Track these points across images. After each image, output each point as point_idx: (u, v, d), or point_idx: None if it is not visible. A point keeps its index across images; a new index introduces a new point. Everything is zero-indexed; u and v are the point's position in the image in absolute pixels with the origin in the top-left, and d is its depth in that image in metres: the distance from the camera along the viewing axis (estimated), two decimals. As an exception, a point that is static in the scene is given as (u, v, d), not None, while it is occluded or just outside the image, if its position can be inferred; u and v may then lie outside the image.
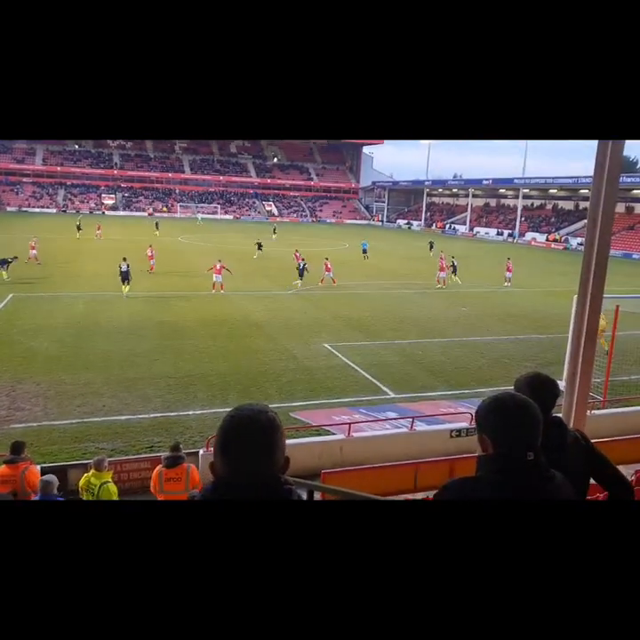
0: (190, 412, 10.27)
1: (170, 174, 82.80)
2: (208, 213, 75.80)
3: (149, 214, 71.97)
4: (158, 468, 6.07)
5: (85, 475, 5.74)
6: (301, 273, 24.24)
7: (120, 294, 20.43)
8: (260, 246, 32.96)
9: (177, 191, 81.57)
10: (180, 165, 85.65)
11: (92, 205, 73.94)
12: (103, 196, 76.68)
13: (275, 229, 48.85)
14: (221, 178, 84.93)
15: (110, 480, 5.69)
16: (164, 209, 76.06)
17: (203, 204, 78.90)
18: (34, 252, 26.75)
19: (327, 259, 25.37)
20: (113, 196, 77.34)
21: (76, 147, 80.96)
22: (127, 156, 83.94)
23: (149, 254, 25.95)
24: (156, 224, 47.00)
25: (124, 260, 21.30)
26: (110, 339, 14.75)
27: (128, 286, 20.79)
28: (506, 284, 26.82)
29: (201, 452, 7.97)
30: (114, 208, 74.22)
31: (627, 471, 7.51)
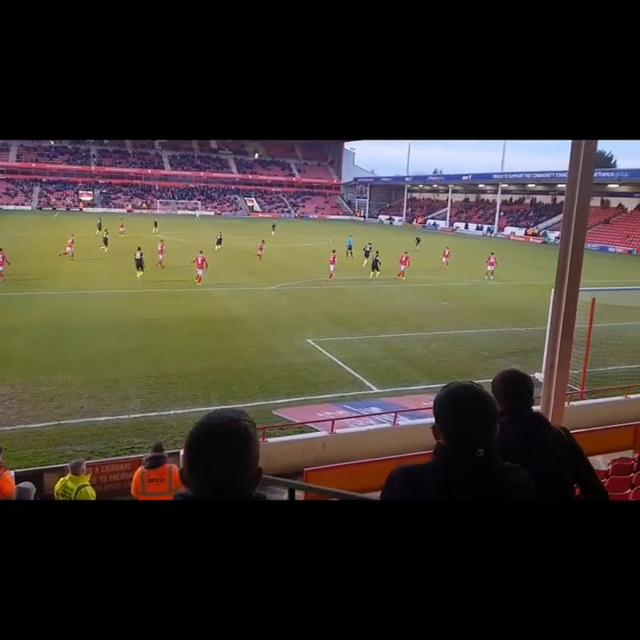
0: (171, 412, 10.15)
1: (149, 170, 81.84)
2: (189, 210, 75.10)
3: (128, 211, 71.07)
4: (140, 468, 5.96)
5: (62, 479, 5.61)
6: (375, 265, 26.34)
7: (101, 291, 20.30)
8: (219, 241, 34.69)
9: (156, 187, 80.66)
10: (160, 161, 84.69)
11: (69, 202, 72.73)
12: (80, 192, 75.47)
13: (274, 226, 50.82)
14: (202, 174, 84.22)
15: (88, 483, 5.58)
16: (144, 205, 75.12)
17: (183, 200, 78.16)
18: (71, 248, 27.97)
19: (334, 251, 27.11)
20: (90, 192, 76.14)
21: (52, 143, 79.39)
22: (105, 151, 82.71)
23: (159, 249, 27.42)
24: (155, 223, 48.96)
25: (139, 249, 23.28)
26: (89, 338, 14.52)
27: (141, 272, 22.76)
28: (487, 277, 27.33)
29: (182, 452, 7.88)
30: (91, 205, 73.10)
31: (604, 461, 7.65)
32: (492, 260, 27.91)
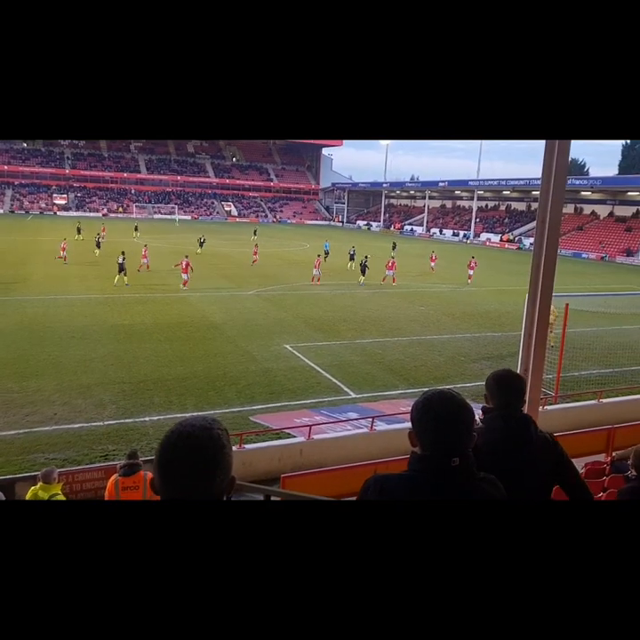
0: (147, 419, 9.99)
1: (125, 174, 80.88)
2: (165, 214, 74.39)
3: (104, 215, 70.09)
4: (114, 477, 5.84)
5: (32, 488, 5.47)
6: (363, 270, 26.41)
7: (76, 296, 19.97)
8: (201, 243, 35.78)
9: (133, 191, 79.73)
10: (136, 165, 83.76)
11: (43, 205, 71.40)
12: (54, 195, 74.16)
13: (256, 231, 49.78)
14: (179, 178, 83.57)
15: (60, 492, 5.44)
16: (120, 209, 74.15)
17: (159, 204, 77.40)
18: (64, 253, 28.18)
19: (319, 255, 27.82)
20: (65, 195, 74.90)
21: (25, 145, 77.88)
22: (80, 154, 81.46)
23: (143, 253, 27.43)
24: (136, 227, 48.71)
25: (122, 253, 23.14)
26: (62, 344, 14.22)
27: (124, 277, 22.75)
28: (470, 281, 27.95)
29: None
30: (66, 208, 71.90)
31: (578, 464, 7.76)
32: (473, 264, 28.37)
